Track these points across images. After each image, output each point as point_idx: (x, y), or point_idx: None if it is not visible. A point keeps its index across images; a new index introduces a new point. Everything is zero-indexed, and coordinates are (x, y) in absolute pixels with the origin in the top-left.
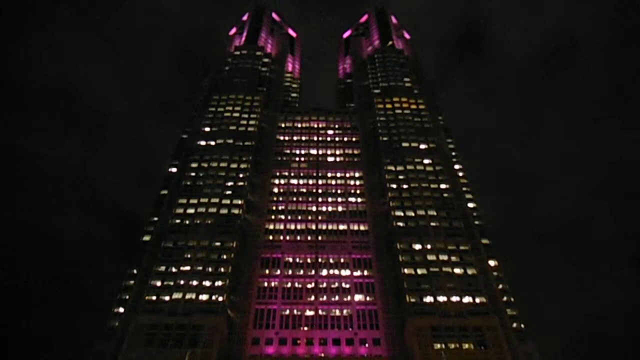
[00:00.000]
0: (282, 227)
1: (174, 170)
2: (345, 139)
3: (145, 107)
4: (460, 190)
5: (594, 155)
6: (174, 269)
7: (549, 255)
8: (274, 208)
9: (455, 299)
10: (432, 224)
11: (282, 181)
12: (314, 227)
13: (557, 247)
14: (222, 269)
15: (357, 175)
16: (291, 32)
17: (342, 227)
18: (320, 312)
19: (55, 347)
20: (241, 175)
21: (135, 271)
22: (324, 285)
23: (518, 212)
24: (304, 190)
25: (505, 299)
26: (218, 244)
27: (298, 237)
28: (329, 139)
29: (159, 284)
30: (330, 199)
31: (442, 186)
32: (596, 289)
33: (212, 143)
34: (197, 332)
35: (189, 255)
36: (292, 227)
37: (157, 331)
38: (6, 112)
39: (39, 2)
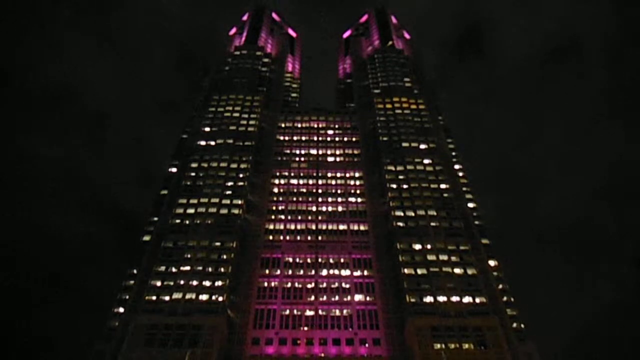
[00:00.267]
0: (282, 227)
1: (174, 170)
2: (345, 139)
3: (145, 107)
4: (460, 190)
5: (594, 155)
6: (174, 269)
7: (549, 255)
8: (274, 208)
9: (455, 299)
10: (432, 224)
11: (282, 181)
12: (314, 227)
13: (557, 247)
14: (222, 269)
15: (357, 175)
16: (291, 32)
17: (342, 227)
18: (320, 312)
19: (55, 347)
20: (241, 175)
21: (135, 271)
22: (324, 285)
23: (518, 212)
24: (304, 190)
25: (505, 299)
26: (218, 244)
27: (298, 237)
28: (329, 139)
29: (159, 284)
30: (330, 199)
31: (442, 186)
32: (596, 289)
33: (212, 143)
34: (197, 332)
35: (189, 255)
36: (292, 227)
37: (157, 331)
38: (6, 112)
39: (39, 2)
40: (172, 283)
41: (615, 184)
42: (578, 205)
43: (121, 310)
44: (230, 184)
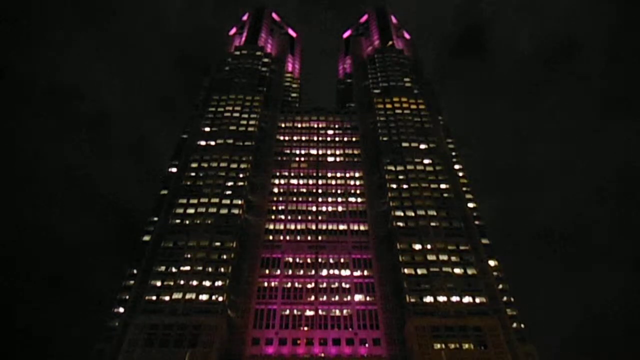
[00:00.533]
0: (282, 227)
1: (174, 170)
2: (345, 139)
3: (145, 107)
4: (460, 190)
5: (594, 155)
6: (174, 269)
7: (549, 255)
8: (274, 208)
9: (455, 299)
10: (432, 224)
11: (282, 181)
12: (314, 227)
13: (557, 247)
14: (222, 269)
15: (357, 175)
16: (291, 32)
17: (342, 227)
18: (320, 312)
19: (56, 347)
20: (241, 175)
21: (135, 271)
22: (324, 285)
23: (518, 212)
24: (304, 190)
25: (505, 299)
26: (218, 244)
27: (298, 237)
28: (329, 139)
29: (159, 284)
30: (330, 199)
31: (442, 186)
32: (596, 289)
33: (212, 143)
34: (197, 332)
35: (189, 255)
36: (292, 227)
37: (157, 331)
38: (6, 112)
39: (39, 2)
40: (172, 283)
41: (616, 185)
42: (578, 205)
43: (121, 310)
44: (230, 184)
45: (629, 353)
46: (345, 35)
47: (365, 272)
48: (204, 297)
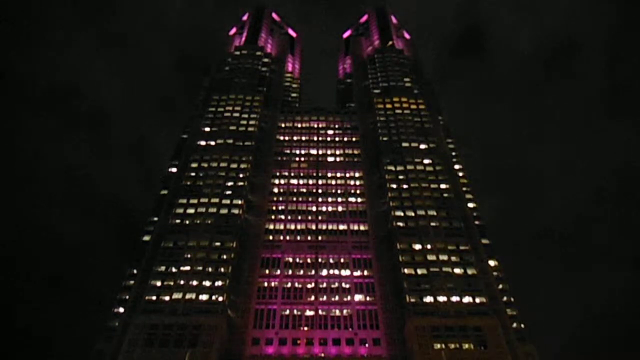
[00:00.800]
0: (282, 227)
1: (174, 170)
2: (345, 139)
3: (145, 107)
4: (460, 190)
5: (594, 155)
6: (174, 269)
7: (549, 255)
8: (274, 208)
9: (455, 299)
10: (432, 224)
11: (282, 181)
12: (314, 227)
13: (557, 246)
14: (222, 269)
15: (357, 175)
16: (291, 32)
17: (342, 227)
18: (320, 312)
19: (56, 347)
20: (241, 175)
21: (135, 271)
22: (324, 285)
23: (518, 212)
24: (304, 190)
25: (505, 299)
26: (218, 244)
27: (298, 237)
28: (329, 139)
29: (159, 284)
30: (330, 199)
31: (442, 186)
32: (596, 288)
33: (212, 143)
34: (197, 332)
35: (189, 255)
36: (292, 227)
37: (157, 331)
38: (7, 112)
39: (40, 2)
40: (172, 283)
41: (616, 184)
42: (578, 205)
43: (121, 310)
44: (230, 184)
45: (629, 353)
46: (345, 35)
47: (365, 272)
48: (204, 297)
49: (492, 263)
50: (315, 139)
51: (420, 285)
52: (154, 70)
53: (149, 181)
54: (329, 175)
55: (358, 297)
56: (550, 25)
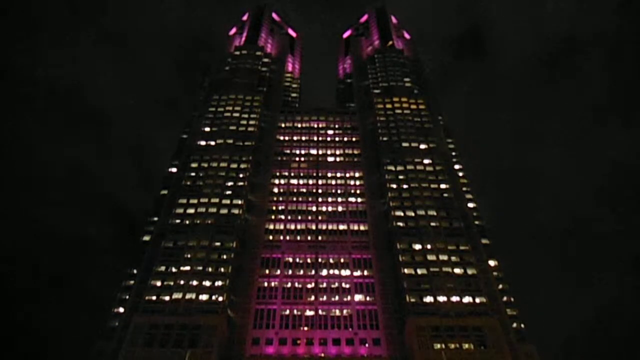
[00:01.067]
0: (282, 227)
1: (174, 170)
2: (345, 139)
3: (145, 107)
4: (460, 190)
5: (594, 155)
6: (174, 269)
7: (549, 255)
8: (274, 208)
9: (455, 299)
10: (432, 224)
11: (282, 181)
12: (314, 227)
13: (557, 246)
14: (222, 269)
15: (357, 175)
16: (291, 32)
17: (342, 227)
18: (320, 312)
19: (56, 346)
20: (241, 175)
21: (135, 271)
22: (324, 285)
23: (518, 212)
24: (304, 190)
25: (505, 299)
26: (218, 244)
27: (298, 237)
28: (329, 139)
29: (159, 284)
30: (330, 199)
31: (442, 186)
32: (596, 288)
33: (212, 143)
34: (197, 332)
35: (189, 255)
36: (292, 227)
37: (157, 331)
38: (7, 112)
39: (40, 1)
40: (172, 283)
41: (615, 184)
42: (578, 205)
43: (121, 310)
44: (230, 184)
45: (629, 353)
46: (345, 35)
47: (365, 272)
48: (204, 297)
49: (492, 263)
50: (315, 139)
51: (420, 285)
52: (154, 70)
53: (149, 181)
54: (329, 175)
55: (358, 297)
56: (550, 26)
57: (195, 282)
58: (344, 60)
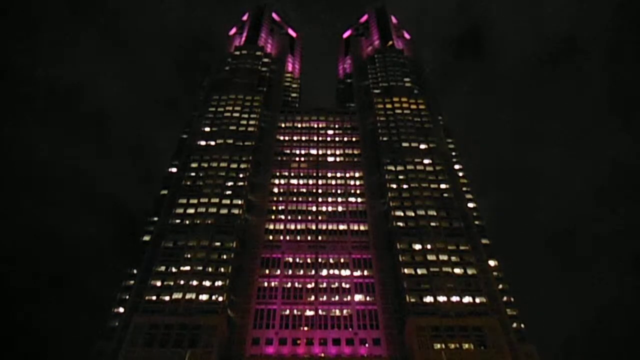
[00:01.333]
0: (282, 227)
1: (174, 170)
2: (345, 139)
3: (145, 107)
4: (460, 190)
5: (594, 155)
6: (174, 269)
7: (549, 255)
8: (274, 208)
9: (455, 299)
10: (432, 224)
11: (282, 181)
12: (314, 227)
13: (557, 246)
14: (222, 269)
15: (357, 175)
16: (291, 32)
17: (342, 227)
18: (320, 312)
19: (56, 346)
20: (241, 175)
21: (135, 271)
22: (324, 285)
23: (518, 212)
24: (304, 190)
25: (505, 299)
26: (218, 244)
27: (298, 237)
28: (329, 139)
29: (159, 284)
30: (330, 199)
31: (442, 186)
32: (596, 289)
33: (212, 143)
34: (197, 332)
35: (189, 255)
36: (292, 227)
37: (157, 331)
38: (6, 112)
39: (40, 2)
40: (172, 283)
41: (615, 184)
42: (578, 205)
43: (121, 310)
44: (230, 184)
45: (629, 353)
46: (345, 35)
47: (365, 272)
48: (204, 297)
49: (492, 263)
50: (315, 139)
51: (420, 285)
52: (154, 70)
53: (149, 181)
54: (329, 175)
55: (358, 297)
56: (550, 25)
57: (195, 282)
58: (344, 60)
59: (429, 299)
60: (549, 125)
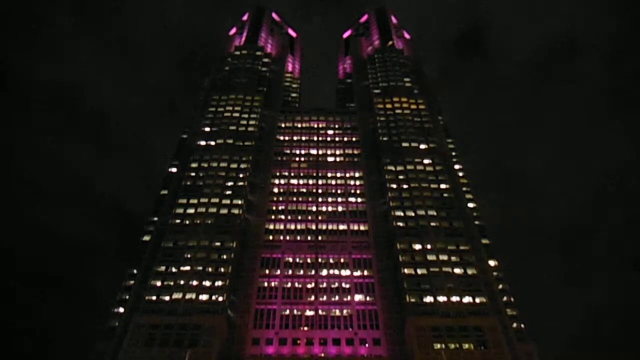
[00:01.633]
0: (282, 227)
1: (174, 170)
2: (345, 139)
3: (145, 107)
4: (460, 190)
5: (594, 155)
6: (174, 269)
7: (549, 255)
8: (274, 208)
9: (455, 299)
10: (432, 224)
11: (282, 181)
12: (314, 227)
13: (557, 247)
14: (222, 269)
15: (357, 175)
16: (291, 32)
17: (342, 227)
18: (320, 312)
19: (56, 346)
20: (241, 175)
21: (135, 271)
22: (324, 285)
23: (518, 212)
24: (304, 190)
25: (505, 299)
26: (218, 244)
27: (298, 237)
28: (329, 139)
29: (159, 284)
30: (330, 199)
31: (442, 186)
32: (595, 289)
33: (212, 143)
34: (197, 332)
35: (189, 255)
36: (292, 227)
37: (157, 331)
38: (7, 112)
39: (41, 2)
40: (172, 283)
41: (616, 184)
42: (578, 205)
43: (121, 310)
44: (230, 184)
45: (629, 353)
46: (345, 35)
47: (365, 272)
48: (204, 297)
49: (492, 263)
50: (315, 139)
51: (420, 285)
52: (154, 70)
53: (149, 181)
54: (329, 175)
55: (358, 297)
56: (550, 26)
57: (195, 282)
58: (344, 60)
59: (429, 299)
60: (548, 126)
